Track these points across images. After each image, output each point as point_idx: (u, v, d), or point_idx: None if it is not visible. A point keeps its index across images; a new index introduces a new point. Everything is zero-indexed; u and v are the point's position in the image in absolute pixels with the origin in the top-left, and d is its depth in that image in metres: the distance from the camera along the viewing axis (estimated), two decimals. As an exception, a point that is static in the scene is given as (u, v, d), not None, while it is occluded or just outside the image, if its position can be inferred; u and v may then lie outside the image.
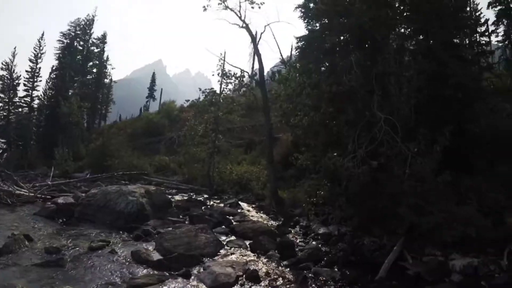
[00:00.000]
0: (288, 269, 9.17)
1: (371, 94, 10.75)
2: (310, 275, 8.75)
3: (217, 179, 22.81)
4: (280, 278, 8.52)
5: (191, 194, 21.12)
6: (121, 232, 11.93)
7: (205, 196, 20.51)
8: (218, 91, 23.79)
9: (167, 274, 8.19)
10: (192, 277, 8.13)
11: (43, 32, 50.28)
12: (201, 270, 8.60)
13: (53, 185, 20.84)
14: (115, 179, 23.99)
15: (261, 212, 16.47)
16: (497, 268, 8.52)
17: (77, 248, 9.90)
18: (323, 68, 14.34)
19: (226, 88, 23.86)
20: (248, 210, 16.86)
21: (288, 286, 8.17)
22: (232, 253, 10.25)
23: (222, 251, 10.32)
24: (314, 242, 11.58)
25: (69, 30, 55.23)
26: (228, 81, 21.96)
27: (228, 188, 22.08)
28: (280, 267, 9.25)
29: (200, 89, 24.78)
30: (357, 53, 11.65)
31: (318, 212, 13.58)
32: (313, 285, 8.23)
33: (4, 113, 46.07)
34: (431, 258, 9.34)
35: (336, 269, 9.20)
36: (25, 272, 7.97)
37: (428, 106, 11.70)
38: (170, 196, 18.38)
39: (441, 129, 10.32)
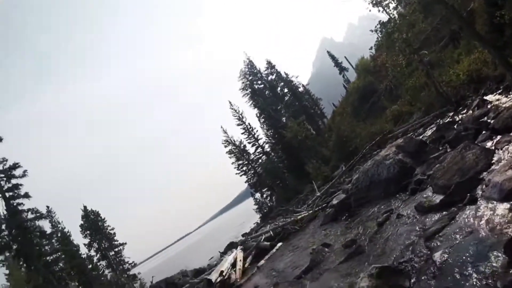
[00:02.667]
0: None
1: None
2: None
3: (450, 90, 22.12)
4: None
5: (437, 121, 20.74)
6: (397, 195, 12.46)
7: (451, 114, 20.01)
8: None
9: (455, 208, 8.16)
10: (479, 199, 7.89)
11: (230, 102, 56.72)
12: (484, 187, 8.27)
13: (322, 193, 23.60)
14: (367, 156, 25.06)
15: (510, 92, 15.12)
16: None
17: (368, 231, 10.88)
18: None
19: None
20: (498, 99, 15.51)
21: None
22: (505, 154, 9.53)
23: (495, 157, 9.64)
24: None
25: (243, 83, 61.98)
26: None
27: (465, 91, 21.04)
28: None
29: (371, 31, 25.10)
30: None
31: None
32: None
33: (252, 171, 53.26)
34: None
35: None
36: (336, 271, 9.33)
37: None
38: (421, 136, 18.61)
39: None
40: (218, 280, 16.20)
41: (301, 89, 64.76)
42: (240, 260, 18.21)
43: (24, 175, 21.44)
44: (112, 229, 49.44)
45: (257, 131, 55.96)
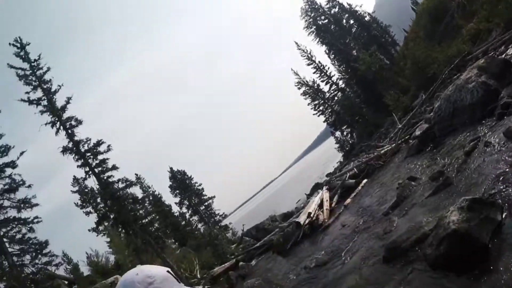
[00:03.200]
0: None
1: None
2: None
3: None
4: None
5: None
6: (483, 121, 11.90)
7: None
8: None
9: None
10: None
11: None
12: None
13: (403, 125, 23.00)
14: (447, 81, 23.85)
15: None
16: None
17: (455, 160, 10.62)
18: None
19: None
20: None
21: None
22: None
23: None
24: None
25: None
26: None
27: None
28: None
29: None
30: None
31: None
32: None
33: (329, 110, 52.84)
34: None
35: None
36: (424, 205, 9.29)
37: None
38: (503, 55, 17.06)
39: None
40: (306, 222, 16.61)
41: (367, 18, 61.94)
42: (327, 200, 18.50)
43: (108, 149, 22.82)
44: (200, 185, 51.61)
45: (328, 68, 55.06)
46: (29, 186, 26.99)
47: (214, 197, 51.85)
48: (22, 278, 24.86)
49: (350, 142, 50.65)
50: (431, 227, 6.83)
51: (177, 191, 50.01)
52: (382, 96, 39.26)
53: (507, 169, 7.46)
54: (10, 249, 26.09)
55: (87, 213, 26.15)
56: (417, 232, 7.26)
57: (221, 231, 31.14)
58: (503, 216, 5.83)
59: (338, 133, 53.03)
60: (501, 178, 7.25)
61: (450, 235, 5.74)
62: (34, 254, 27.16)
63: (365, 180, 18.69)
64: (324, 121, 54.21)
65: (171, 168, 51.22)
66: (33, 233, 27.22)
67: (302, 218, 17.01)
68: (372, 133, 39.36)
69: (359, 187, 18.06)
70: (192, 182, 51.26)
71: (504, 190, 6.70)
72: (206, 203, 51.24)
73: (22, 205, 26.73)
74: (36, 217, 27.24)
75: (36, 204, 27.27)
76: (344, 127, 51.95)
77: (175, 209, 48.04)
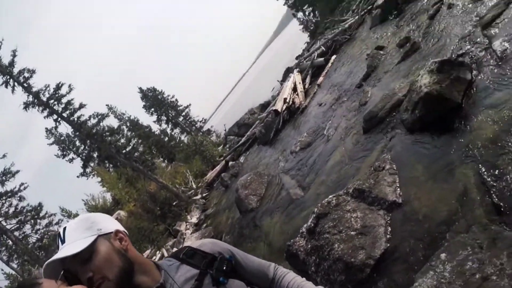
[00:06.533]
0: None
1: None
2: None
3: None
4: None
5: None
6: None
7: None
8: None
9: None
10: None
11: None
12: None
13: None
14: None
15: None
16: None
17: (420, 25, 10.78)
18: None
19: None
20: None
21: None
22: None
23: None
24: None
25: None
26: None
27: None
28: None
29: None
30: None
31: None
32: None
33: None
34: None
35: None
36: (396, 72, 9.47)
37: None
38: None
39: None
40: (283, 108, 16.85)
41: None
42: (300, 83, 18.63)
43: (70, 89, 21.63)
44: (173, 96, 50.71)
45: None
46: (4, 156, 26.64)
47: (190, 105, 51.37)
48: (30, 250, 25.06)
49: (314, 20, 49.54)
50: (405, 92, 7.09)
51: (152, 109, 49.50)
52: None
53: (472, 30, 7.54)
54: (8, 226, 25.91)
55: (70, 160, 25.69)
56: (392, 99, 7.51)
57: (204, 137, 31.47)
58: (473, 75, 5.95)
59: (300, 14, 51.64)
60: (467, 38, 7.38)
61: (423, 98, 5.93)
62: (32, 221, 27.24)
63: (334, 56, 18.75)
64: (284, 4, 52.45)
65: (140, 88, 50.20)
66: (25, 201, 27.25)
67: (279, 105, 17.15)
68: (334, 8, 38.53)
69: (329, 64, 18.18)
70: (165, 96, 50.52)
71: (471, 49, 6.83)
72: (184, 113, 50.92)
73: (3, 178, 26.61)
74: (22, 184, 27.18)
75: (17, 171, 27.15)
76: (305, 6, 50.40)
77: (155, 127, 47.74)
